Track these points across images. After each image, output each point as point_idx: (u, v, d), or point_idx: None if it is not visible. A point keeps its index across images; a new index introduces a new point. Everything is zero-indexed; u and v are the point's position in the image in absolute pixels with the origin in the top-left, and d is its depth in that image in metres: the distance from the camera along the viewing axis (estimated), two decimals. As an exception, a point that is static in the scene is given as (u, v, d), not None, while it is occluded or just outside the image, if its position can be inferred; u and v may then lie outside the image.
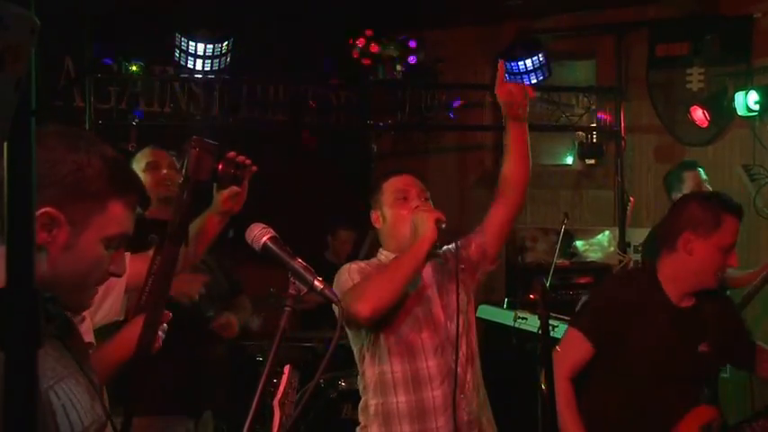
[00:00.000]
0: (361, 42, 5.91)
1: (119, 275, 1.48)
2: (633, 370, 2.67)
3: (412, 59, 6.02)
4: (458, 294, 2.51)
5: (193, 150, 1.96)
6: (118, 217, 1.41)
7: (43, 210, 1.31)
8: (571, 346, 2.73)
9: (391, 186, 2.67)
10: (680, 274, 2.69)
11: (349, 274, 2.57)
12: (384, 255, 2.68)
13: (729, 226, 2.63)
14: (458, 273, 2.52)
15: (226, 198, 2.27)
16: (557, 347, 2.70)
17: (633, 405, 2.69)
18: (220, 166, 2.09)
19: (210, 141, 2.00)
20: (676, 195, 4.53)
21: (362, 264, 2.64)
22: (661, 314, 2.69)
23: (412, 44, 6.01)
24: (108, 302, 2.34)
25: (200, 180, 1.99)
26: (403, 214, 2.59)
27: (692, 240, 2.63)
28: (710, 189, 4.56)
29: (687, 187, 4.55)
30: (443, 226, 2.46)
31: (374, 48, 5.91)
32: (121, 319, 2.40)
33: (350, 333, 2.58)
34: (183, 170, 1.95)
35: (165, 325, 1.80)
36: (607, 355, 2.69)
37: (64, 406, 1.33)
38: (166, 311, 1.79)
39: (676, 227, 2.69)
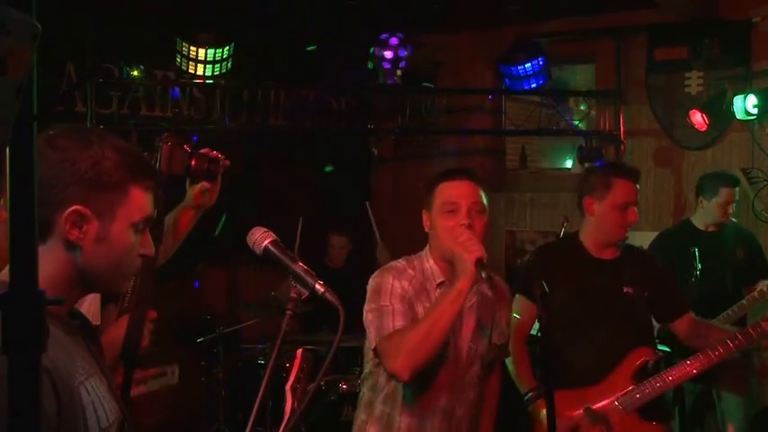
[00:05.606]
0: (393, 41, 5.82)
1: (150, 255, 1.52)
2: (565, 313, 2.95)
3: (402, 64, 5.96)
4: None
5: (165, 145, 1.97)
6: (139, 202, 1.44)
7: (71, 209, 1.35)
8: (517, 310, 3.13)
9: (443, 193, 2.50)
10: (589, 229, 3.16)
11: (391, 295, 2.45)
12: (429, 264, 2.55)
13: (621, 187, 3.06)
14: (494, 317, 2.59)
15: (198, 193, 2.28)
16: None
17: (576, 348, 3.03)
18: (193, 162, 2.11)
19: (183, 137, 2.01)
20: (703, 202, 4.59)
21: (405, 282, 2.49)
22: (581, 263, 3.14)
23: (398, 45, 5.93)
24: (85, 305, 2.33)
25: (173, 174, 1.99)
26: (448, 226, 2.43)
27: (592, 203, 3.11)
28: (733, 209, 4.58)
29: (717, 202, 4.55)
30: (483, 274, 2.27)
31: (402, 52, 5.84)
32: (97, 323, 2.39)
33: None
34: (157, 165, 1.97)
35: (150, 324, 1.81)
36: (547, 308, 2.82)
37: (93, 402, 1.36)
38: (151, 309, 1.79)
39: (580, 194, 3.18)
